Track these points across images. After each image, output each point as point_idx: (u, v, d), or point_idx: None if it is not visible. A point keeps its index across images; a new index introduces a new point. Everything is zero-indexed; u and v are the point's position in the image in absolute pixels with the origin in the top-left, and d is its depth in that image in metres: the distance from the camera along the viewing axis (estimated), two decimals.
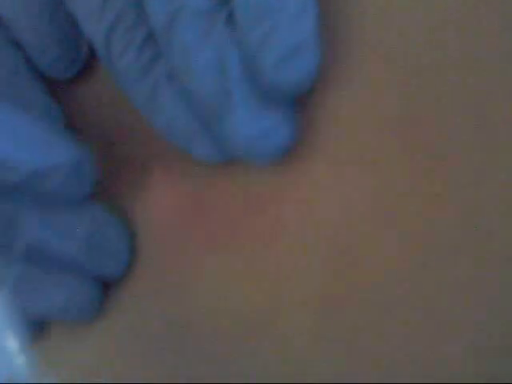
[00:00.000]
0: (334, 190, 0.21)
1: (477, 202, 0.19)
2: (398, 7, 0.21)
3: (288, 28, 0.20)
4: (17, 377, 0.21)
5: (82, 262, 0.23)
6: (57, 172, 0.22)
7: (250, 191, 0.23)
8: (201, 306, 0.23)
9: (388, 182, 0.20)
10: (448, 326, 0.18)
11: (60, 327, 0.26)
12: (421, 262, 0.19)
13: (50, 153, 0.22)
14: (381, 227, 0.20)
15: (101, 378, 0.24)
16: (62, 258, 0.23)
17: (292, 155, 0.22)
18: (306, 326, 0.20)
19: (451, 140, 0.19)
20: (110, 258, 0.24)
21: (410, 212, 0.20)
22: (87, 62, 0.27)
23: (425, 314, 0.19)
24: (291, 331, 0.21)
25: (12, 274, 0.23)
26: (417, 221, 0.19)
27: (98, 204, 0.24)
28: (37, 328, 0.26)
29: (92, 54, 0.26)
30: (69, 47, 0.26)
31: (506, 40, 0.19)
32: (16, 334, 0.22)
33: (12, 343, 0.21)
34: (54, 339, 0.26)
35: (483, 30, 0.20)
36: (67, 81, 0.27)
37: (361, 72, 0.21)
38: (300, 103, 0.22)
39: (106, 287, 0.25)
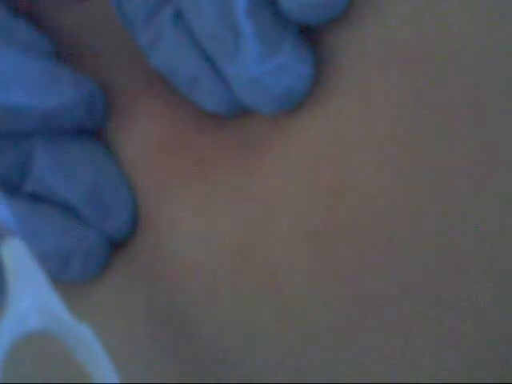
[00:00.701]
0: (324, 121, 0.20)
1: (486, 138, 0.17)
2: None
3: None
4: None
5: (84, 210, 0.23)
6: (70, 110, 0.22)
7: (238, 128, 0.21)
8: (178, 244, 0.22)
9: (382, 113, 0.19)
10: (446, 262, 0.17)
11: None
12: (414, 195, 0.18)
13: (61, 92, 0.22)
14: (373, 160, 0.19)
15: None
16: (65, 203, 0.23)
17: None
18: (295, 262, 0.19)
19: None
20: (112, 211, 0.23)
21: (405, 146, 0.18)
22: None
23: (423, 251, 0.18)
24: (279, 267, 0.20)
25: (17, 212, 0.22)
26: (411, 154, 0.18)
27: (109, 155, 0.23)
28: None
29: None
30: None
31: None
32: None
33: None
34: None
35: None
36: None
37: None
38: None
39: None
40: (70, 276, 0.22)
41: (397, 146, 0.18)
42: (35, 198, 0.23)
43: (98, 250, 0.22)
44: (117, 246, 0.23)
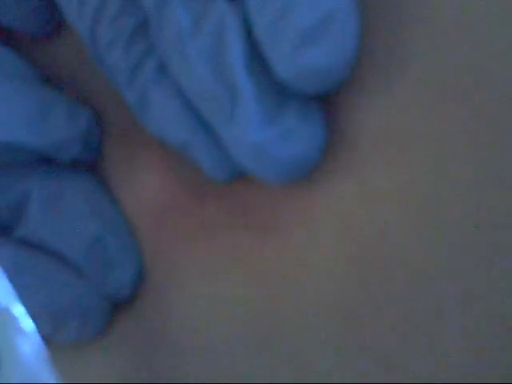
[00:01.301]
0: (348, 182, 0.18)
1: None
2: None
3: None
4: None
5: (83, 265, 0.21)
6: (66, 146, 0.21)
7: (250, 188, 0.20)
8: (184, 309, 0.20)
9: (412, 180, 0.17)
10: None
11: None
12: (446, 269, 0.16)
13: (56, 128, 0.21)
14: (407, 233, 0.17)
15: None
16: (62, 255, 0.21)
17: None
18: (327, 343, 0.17)
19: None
20: (115, 267, 0.21)
21: (436, 213, 0.17)
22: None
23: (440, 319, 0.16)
24: (302, 344, 0.18)
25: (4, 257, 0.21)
26: (442, 224, 0.16)
27: (112, 206, 0.22)
28: None
29: None
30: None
31: None
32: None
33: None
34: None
35: None
36: (39, 39, 0.25)
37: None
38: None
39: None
40: (65, 337, 0.21)
41: (427, 215, 0.17)
42: (28, 243, 0.21)
43: (97, 310, 0.20)
44: (118, 305, 0.22)
